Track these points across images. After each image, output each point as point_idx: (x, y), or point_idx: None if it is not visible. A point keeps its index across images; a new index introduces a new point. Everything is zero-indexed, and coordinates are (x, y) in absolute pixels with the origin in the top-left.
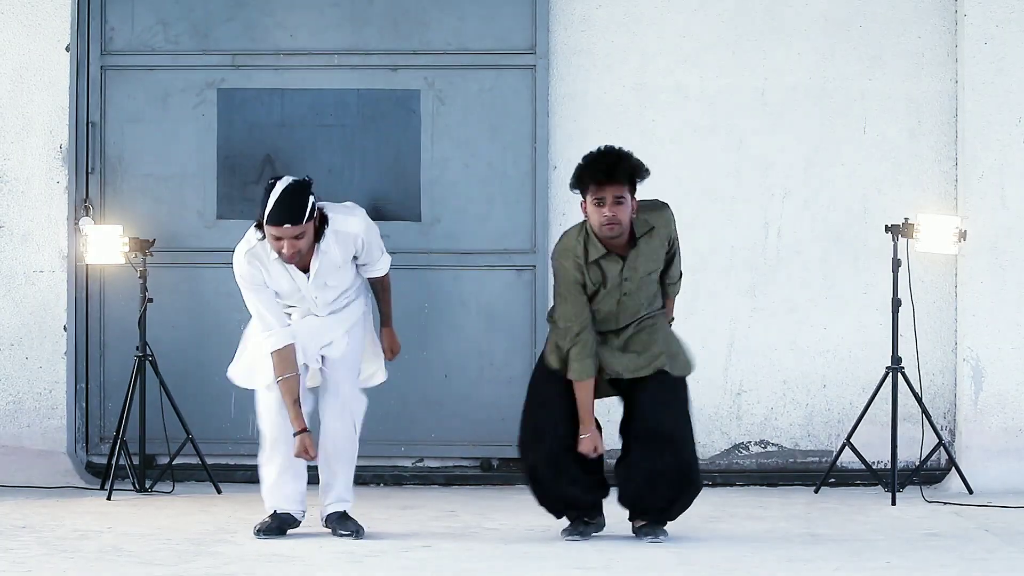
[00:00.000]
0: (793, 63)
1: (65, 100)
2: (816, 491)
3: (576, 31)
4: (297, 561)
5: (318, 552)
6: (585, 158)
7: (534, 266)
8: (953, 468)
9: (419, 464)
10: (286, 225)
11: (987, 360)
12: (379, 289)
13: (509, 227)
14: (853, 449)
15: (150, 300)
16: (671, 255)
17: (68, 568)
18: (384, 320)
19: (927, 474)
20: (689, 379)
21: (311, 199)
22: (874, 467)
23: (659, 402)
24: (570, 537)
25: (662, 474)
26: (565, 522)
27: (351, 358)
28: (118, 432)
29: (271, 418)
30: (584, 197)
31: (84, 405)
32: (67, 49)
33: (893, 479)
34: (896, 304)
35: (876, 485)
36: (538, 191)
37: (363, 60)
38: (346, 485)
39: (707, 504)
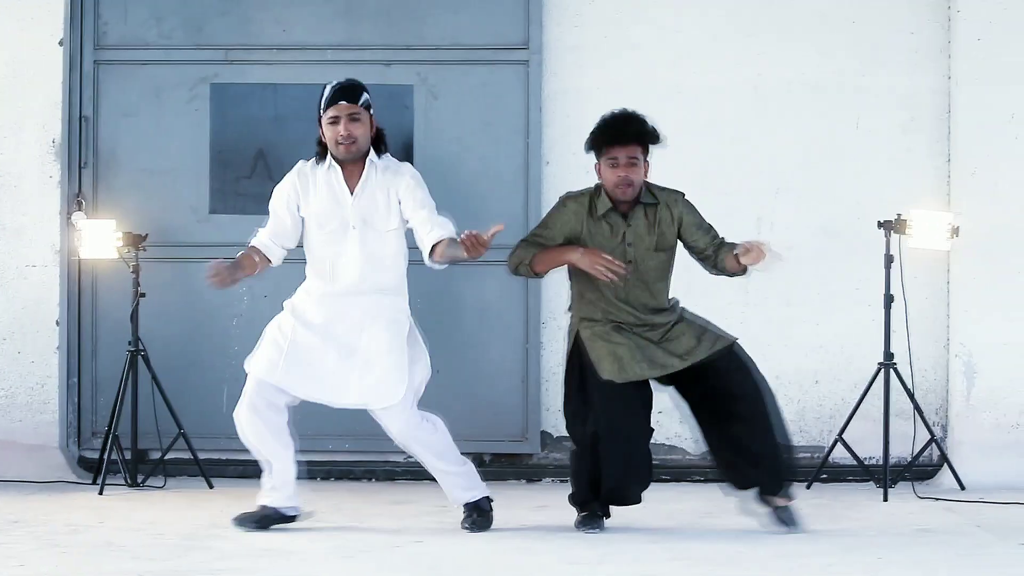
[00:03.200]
0: (787, 59)
1: (58, 94)
2: (808, 487)
3: (569, 26)
4: (289, 556)
5: (310, 547)
6: (602, 119)
7: None
8: (945, 464)
9: (411, 459)
10: (341, 102)
11: (979, 356)
12: (452, 250)
13: (502, 222)
14: (845, 445)
15: (143, 295)
16: (692, 232)
17: (60, 563)
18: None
19: (919, 470)
20: None
21: (367, 97)
22: (866, 463)
23: (732, 378)
24: (590, 530)
25: (760, 448)
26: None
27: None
28: (110, 427)
29: (253, 443)
30: (598, 159)
31: (76, 400)
32: (60, 43)
33: (885, 475)
34: (888, 300)
35: (868, 481)
36: (531, 187)
37: (356, 55)
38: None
39: (700, 499)
